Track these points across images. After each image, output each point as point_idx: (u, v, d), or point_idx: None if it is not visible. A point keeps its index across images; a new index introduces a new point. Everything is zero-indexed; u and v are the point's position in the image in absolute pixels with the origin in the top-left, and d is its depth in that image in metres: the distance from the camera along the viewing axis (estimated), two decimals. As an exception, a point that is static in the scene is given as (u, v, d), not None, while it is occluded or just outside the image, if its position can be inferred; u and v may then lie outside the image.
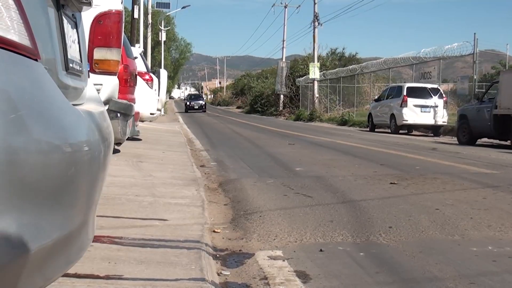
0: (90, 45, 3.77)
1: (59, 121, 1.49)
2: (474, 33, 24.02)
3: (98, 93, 3.94)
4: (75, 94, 1.96)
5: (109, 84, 4.33)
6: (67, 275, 2.90)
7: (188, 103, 57.75)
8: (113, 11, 4.02)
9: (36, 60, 1.48)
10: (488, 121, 16.54)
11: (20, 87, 1.32)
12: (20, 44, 1.39)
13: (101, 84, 4.19)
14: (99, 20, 3.90)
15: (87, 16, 3.72)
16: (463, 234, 4.69)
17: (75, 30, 2.09)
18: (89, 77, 2.41)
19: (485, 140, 17.95)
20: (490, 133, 16.80)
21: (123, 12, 4.25)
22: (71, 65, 1.91)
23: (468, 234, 4.69)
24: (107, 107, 4.46)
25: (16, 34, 1.38)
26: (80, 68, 2.10)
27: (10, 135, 1.23)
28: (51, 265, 1.51)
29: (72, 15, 2.06)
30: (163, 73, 16.90)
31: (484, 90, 20.12)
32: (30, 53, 1.44)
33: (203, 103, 58.49)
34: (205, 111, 54.33)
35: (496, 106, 16.28)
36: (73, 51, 2.00)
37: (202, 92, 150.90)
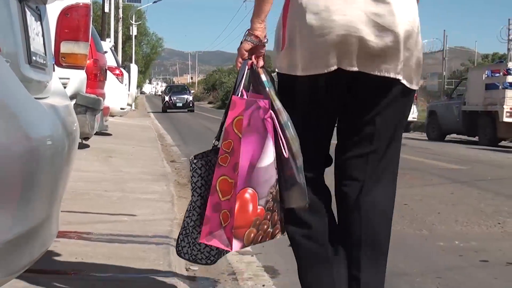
0: (57, 39, 3.72)
1: (21, 115, 1.47)
2: (444, 30, 24.34)
3: (65, 87, 3.90)
4: (38, 87, 1.93)
5: (77, 78, 4.28)
6: (32, 271, 2.85)
7: (168, 99, 39.33)
8: (81, 4, 3.97)
9: (-4, 52, 1.46)
10: (456, 117, 16.76)
11: (-21, 80, 1.30)
12: (-20, 36, 1.37)
13: (68, 78, 4.15)
14: (66, 13, 3.85)
15: (54, 9, 3.67)
16: (431, 229, 4.74)
17: (39, 22, 2.06)
18: (54, 70, 2.37)
19: (454, 136, 18.19)
20: (459, 129, 17.02)
21: (91, 5, 4.20)
22: (34, 58, 1.87)
23: (436, 229, 4.74)
24: (74, 101, 4.42)
25: (-25, 25, 1.35)
26: (44, 62, 2.07)
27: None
28: (12, 261, 1.48)
29: (36, 7, 2.03)
30: (134, 68, 16.79)
31: (453, 87, 20.37)
32: (-10, 45, 1.42)
33: (190, 98, 41.03)
34: (193, 111, 38.63)
35: (465, 102, 16.49)
36: (36, 44, 1.97)
37: None
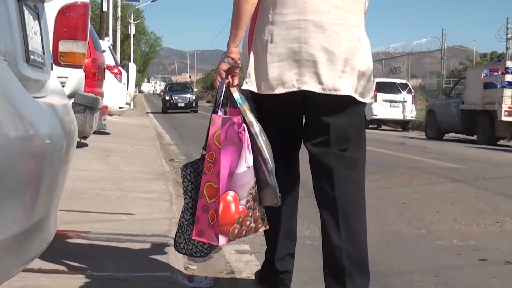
0: (55, 37, 3.72)
1: (19, 113, 1.47)
2: (442, 29, 24.36)
3: (63, 86, 3.89)
4: (36, 86, 1.92)
5: (75, 77, 4.28)
6: (31, 270, 2.86)
7: (168, 99, 35.70)
8: (79, 3, 3.97)
9: (-6, 51, 1.46)
10: (455, 116, 16.76)
11: (-24, 79, 1.30)
12: (-23, 35, 1.36)
13: (67, 77, 4.14)
14: (64, 12, 3.84)
15: (52, 8, 3.67)
16: (429, 228, 4.74)
17: (37, 21, 2.06)
18: (52, 69, 2.37)
19: (452, 135, 18.20)
20: (457, 128, 17.03)
21: (89, 4, 4.20)
22: (32, 57, 1.87)
23: (434, 228, 4.74)
24: (72, 100, 4.42)
25: (-27, 24, 1.35)
26: (42, 60, 2.07)
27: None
28: (10, 260, 1.48)
29: (34, 6, 2.03)
30: (132, 66, 16.79)
31: (451, 86, 20.38)
32: (-12, 44, 1.41)
33: (193, 98, 36.85)
34: (196, 111, 34.82)
35: (463, 101, 16.50)
36: (34, 43, 1.97)
37: None
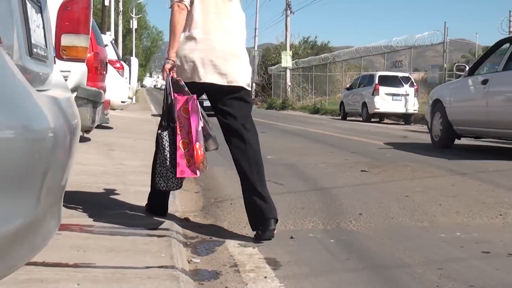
0: (58, 31, 3.72)
1: (22, 107, 1.47)
2: (445, 22, 24.23)
3: (66, 80, 3.89)
4: (39, 79, 1.92)
5: (77, 71, 4.27)
6: (35, 264, 2.87)
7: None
8: (81, -4, 3.97)
9: (-3, 44, 1.45)
10: (457, 109, 16.63)
11: (-20, 71, 1.30)
12: (-20, 28, 1.36)
13: (69, 71, 4.14)
14: (66, 6, 3.84)
15: (54, 2, 3.66)
16: (432, 220, 4.74)
17: (39, 14, 2.06)
18: (55, 63, 2.37)
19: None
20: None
21: (92, -2, 4.20)
22: (35, 50, 1.87)
23: (437, 221, 4.74)
24: (75, 94, 4.41)
25: (-25, 17, 1.35)
26: (45, 54, 2.07)
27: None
28: (14, 253, 1.48)
29: (37, -1, 2.03)
30: (134, 61, 16.77)
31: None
32: (-9, 37, 1.41)
33: None
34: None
35: (466, 94, 16.36)
36: (37, 36, 1.97)
37: None
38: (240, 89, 4.04)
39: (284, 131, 14.84)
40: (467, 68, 10.61)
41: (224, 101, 4.06)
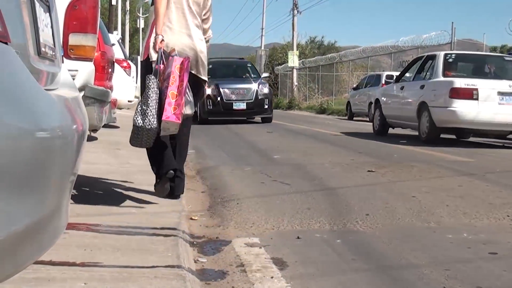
0: (65, 31, 3.72)
1: (31, 105, 1.47)
2: (452, 22, 24.15)
3: (74, 79, 3.89)
4: (48, 79, 1.93)
5: (85, 70, 4.28)
6: (42, 263, 2.87)
7: (212, 94, 17.62)
8: (89, -4, 3.97)
9: (6, 43, 1.46)
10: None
11: (-11, 70, 1.30)
12: (-11, 27, 1.36)
13: (77, 70, 4.15)
14: (74, 5, 3.85)
15: (62, 1, 3.67)
16: (439, 221, 4.73)
17: (48, 14, 2.06)
18: (63, 62, 2.37)
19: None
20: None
21: (99, -3, 4.20)
22: (43, 49, 1.87)
23: (444, 221, 4.73)
24: (82, 93, 4.42)
25: (-15, 16, 1.35)
26: (53, 53, 2.07)
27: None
28: (22, 252, 1.49)
29: (45, -2, 2.03)
30: (141, 60, 16.74)
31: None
32: (0, 36, 1.42)
33: (265, 90, 18.53)
34: (270, 120, 18.76)
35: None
36: (45, 35, 1.97)
37: None
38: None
39: (291, 131, 14.83)
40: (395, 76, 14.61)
41: None
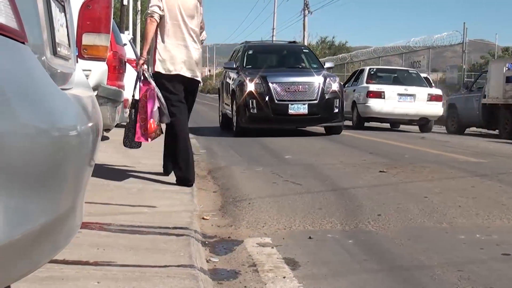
0: (79, 31, 3.74)
1: (47, 105, 1.48)
2: (464, 23, 24.10)
3: (87, 79, 3.91)
4: (63, 78, 1.94)
5: (98, 70, 4.30)
6: (55, 261, 2.89)
7: (255, 91, 12.02)
8: (102, -4, 3.99)
9: (23, 43, 1.46)
10: (476, 110, 16.60)
11: (7, 70, 1.31)
12: (7, 27, 1.37)
13: (90, 70, 4.17)
14: (87, 5, 3.86)
15: (76, 1, 3.69)
16: (451, 222, 4.71)
17: (63, 14, 2.07)
18: (77, 62, 2.38)
19: (473, 129, 18.04)
20: (479, 122, 16.86)
21: (112, -3, 4.22)
22: (59, 49, 1.89)
23: (456, 222, 4.71)
24: (96, 93, 4.43)
25: (2, 16, 1.36)
26: (68, 53, 2.08)
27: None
28: (38, 251, 1.49)
29: (60, -2, 2.04)
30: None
31: (473, 80, 20.20)
32: (17, 36, 1.42)
33: (334, 85, 12.64)
34: (340, 131, 13.38)
35: (485, 95, 16.33)
36: (61, 35, 1.98)
37: None
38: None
39: (301, 131, 14.80)
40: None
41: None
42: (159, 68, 5.58)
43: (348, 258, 3.70)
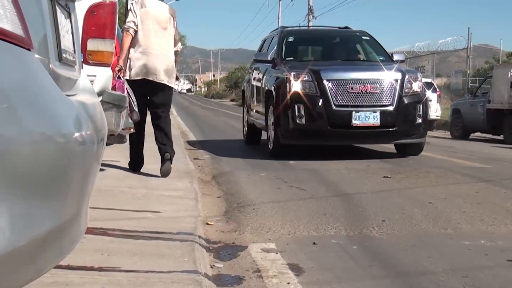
0: (84, 36, 3.75)
1: (52, 111, 1.48)
2: (468, 28, 24.09)
3: (92, 84, 3.92)
4: (68, 84, 1.94)
5: (103, 76, 4.30)
6: (60, 267, 2.89)
7: (315, 98, 8.67)
8: (107, 1, 3.99)
9: (29, 49, 1.47)
10: (481, 115, 16.58)
11: (12, 77, 1.31)
12: (13, 33, 1.38)
13: (95, 76, 4.17)
14: (92, 10, 3.87)
15: (81, 7, 3.70)
16: (456, 228, 4.70)
17: (68, 20, 2.08)
18: (82, 68, 2.39)
19: (478, 134, 18.00)
20: (483, 128, 16.83)
21: (117, 3, 4.22)
22: (64, 55, 1.89)
23: (461, 228, 4.69)
24: (100, 98, 4.44)
25: (9, 23, 1.36)
26: (74, 59, 2.09)
27: (1, 125, 1.21)
28: (43, 256, 1.50)
29: (66, 5, 2.05)
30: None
31: (477, 85, 20.18)
32: (23, 43, 1.43)
33: (416, 85, 9.13)
34: (422, 149, 9.65)
35: (489, 100, 16.32)
36: (66, 41, 1.99)
37: (195, 85, 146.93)
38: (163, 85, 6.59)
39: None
40: None
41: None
42: (130, 74, 6.46)
43: (353, 264, 3.70)
